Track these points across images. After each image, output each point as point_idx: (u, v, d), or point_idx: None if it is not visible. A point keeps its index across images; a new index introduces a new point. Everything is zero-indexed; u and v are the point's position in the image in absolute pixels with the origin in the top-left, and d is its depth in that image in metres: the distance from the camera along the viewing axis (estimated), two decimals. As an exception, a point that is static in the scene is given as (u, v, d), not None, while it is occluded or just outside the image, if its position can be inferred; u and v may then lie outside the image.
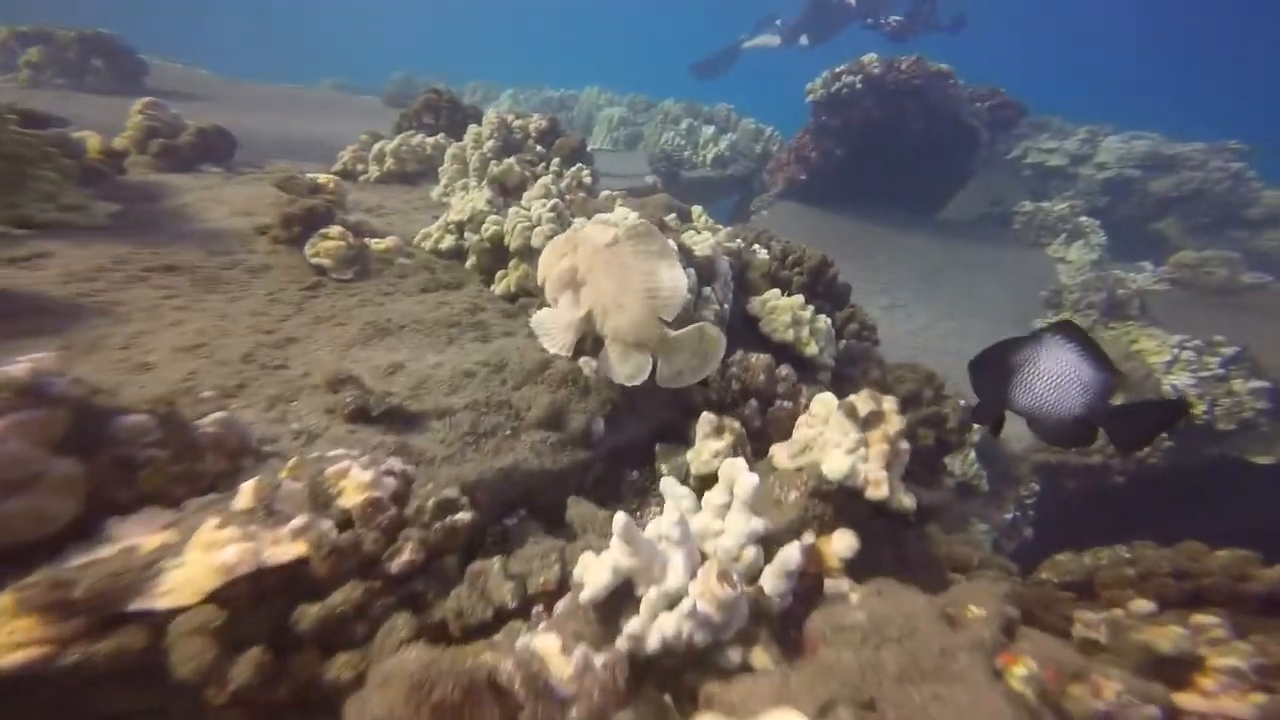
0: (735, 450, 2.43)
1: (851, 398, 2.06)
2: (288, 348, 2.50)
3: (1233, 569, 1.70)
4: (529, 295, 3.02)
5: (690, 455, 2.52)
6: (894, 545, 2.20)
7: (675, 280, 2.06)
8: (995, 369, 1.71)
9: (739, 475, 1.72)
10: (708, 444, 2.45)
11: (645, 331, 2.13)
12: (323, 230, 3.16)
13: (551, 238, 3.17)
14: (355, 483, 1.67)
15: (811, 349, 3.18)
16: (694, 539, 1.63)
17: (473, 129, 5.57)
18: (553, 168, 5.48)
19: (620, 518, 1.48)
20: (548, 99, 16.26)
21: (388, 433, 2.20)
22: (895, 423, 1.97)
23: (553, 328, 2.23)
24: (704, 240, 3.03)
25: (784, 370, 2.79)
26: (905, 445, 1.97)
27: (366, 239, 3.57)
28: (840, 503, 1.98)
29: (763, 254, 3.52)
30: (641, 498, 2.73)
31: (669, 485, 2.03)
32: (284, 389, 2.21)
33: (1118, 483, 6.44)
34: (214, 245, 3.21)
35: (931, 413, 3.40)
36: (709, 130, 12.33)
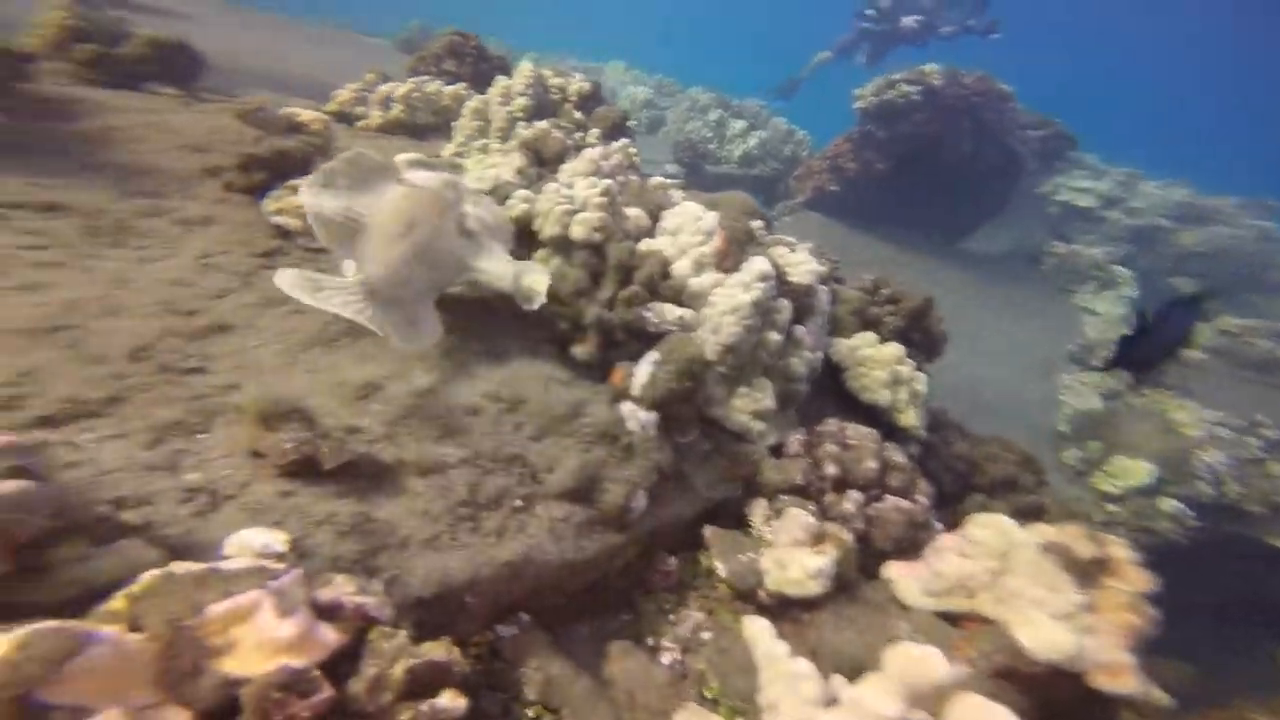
0: (839, 569, 1.73)
1: (1057, 534, 1.38)
2: (212, 340, 1.71)
3: None
4: (560, 302, 2.27)
5: (769, 563, 1.81)
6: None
7: None
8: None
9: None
10: (799, 557, 1.73)
11: None
12: (293, 181, 2.37)
13: (599, 229, 2.43)
14: (262, 637, 0.91)
15: (910, 418, 2.49)
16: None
17: (501, 81, 4.72)
18: (590, 139, 4.71)
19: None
20: (571, 68, 15.31)
21: (342, 496, 1.43)
22: (1135, 579, 1.29)
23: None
24: (802, 263, 2.31)
25: (896, 455, 2.09)
26: (1150, 613, 1.29)
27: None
28: (1043, 689, 1.29)
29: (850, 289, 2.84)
30: (679, 595, 2.00)
31: (769, 648, 1.32)
32: (188, 410, 1.42)
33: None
34: (136, 184, 2.37)
35: (1031, 503, 2.75)
36: (739, 125, 11.51)
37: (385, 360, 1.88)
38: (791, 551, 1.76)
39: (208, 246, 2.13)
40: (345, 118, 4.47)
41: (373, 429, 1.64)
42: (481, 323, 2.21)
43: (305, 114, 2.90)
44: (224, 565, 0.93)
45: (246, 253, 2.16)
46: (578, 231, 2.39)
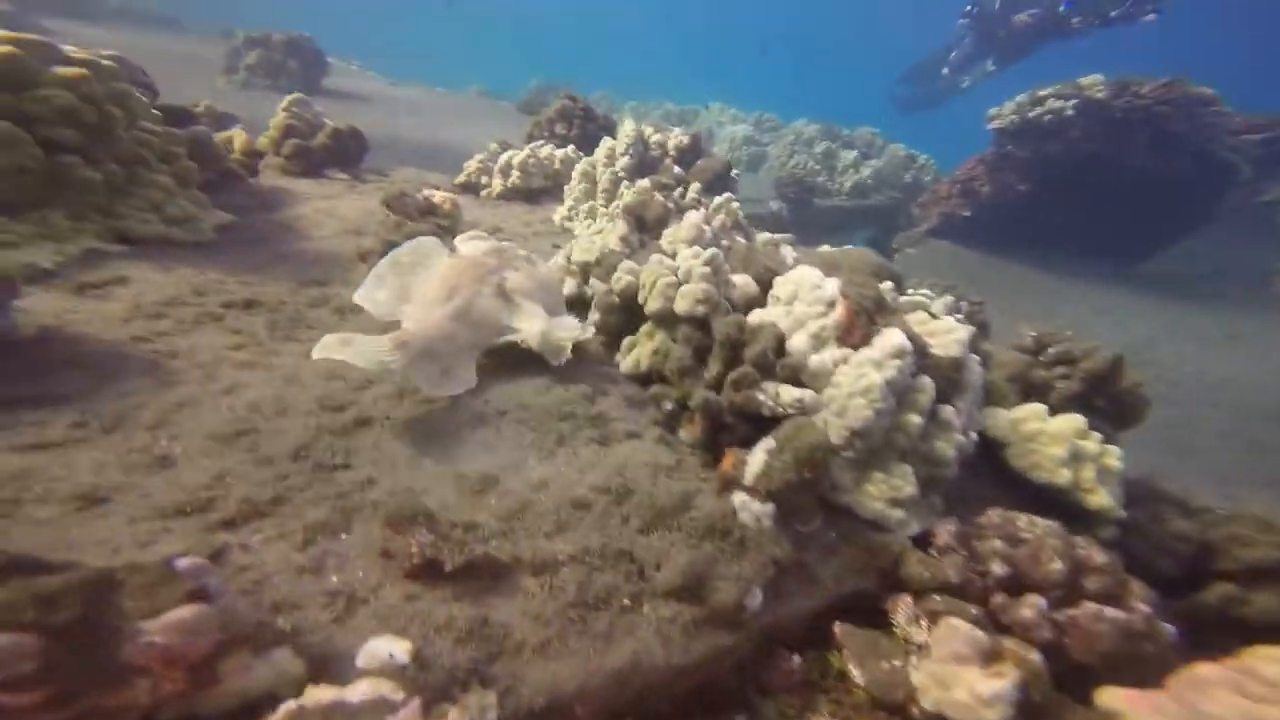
0: (1026, 695, 1.47)
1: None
2: (355, 435, 1.91)
3: None
4: (665, 382, 2.24)
5: (924, 677, 1.59)
6: None
7: None
8: None
9: None
10: (967, 678, 1.50)
11: None
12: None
13: (704, 301, 2.38)
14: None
15: (1101, 499, 2.10)
16: None
17: (606, 143, 4.97)
18: (691, 193, 4.74)
19: None
20: (668, 113, 15.71)
21: (461, 598, 1.49)
22: None
23: None
24: (948, 332, 2.07)
25: (1095, 553, 1.76)
26: None
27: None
28: None
29: (1007, 351, 2.49)
30: (804, 697, 1.83)
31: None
32: (334, 510, 1.58)
33: None
34: (309, 273, 2.77)
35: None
36: (849, 155, 11.10)
37: (501, 450, 1.98)
38: (955, 669, 1.53)
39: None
40: (472, 188, 4.93)
41: (489, 525, 1.70)
42: (590, 403, 2.25)
43: (438, 195, 3.22)
44: (349, 697, 1.00)
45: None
46: (682, 305, 2.36)
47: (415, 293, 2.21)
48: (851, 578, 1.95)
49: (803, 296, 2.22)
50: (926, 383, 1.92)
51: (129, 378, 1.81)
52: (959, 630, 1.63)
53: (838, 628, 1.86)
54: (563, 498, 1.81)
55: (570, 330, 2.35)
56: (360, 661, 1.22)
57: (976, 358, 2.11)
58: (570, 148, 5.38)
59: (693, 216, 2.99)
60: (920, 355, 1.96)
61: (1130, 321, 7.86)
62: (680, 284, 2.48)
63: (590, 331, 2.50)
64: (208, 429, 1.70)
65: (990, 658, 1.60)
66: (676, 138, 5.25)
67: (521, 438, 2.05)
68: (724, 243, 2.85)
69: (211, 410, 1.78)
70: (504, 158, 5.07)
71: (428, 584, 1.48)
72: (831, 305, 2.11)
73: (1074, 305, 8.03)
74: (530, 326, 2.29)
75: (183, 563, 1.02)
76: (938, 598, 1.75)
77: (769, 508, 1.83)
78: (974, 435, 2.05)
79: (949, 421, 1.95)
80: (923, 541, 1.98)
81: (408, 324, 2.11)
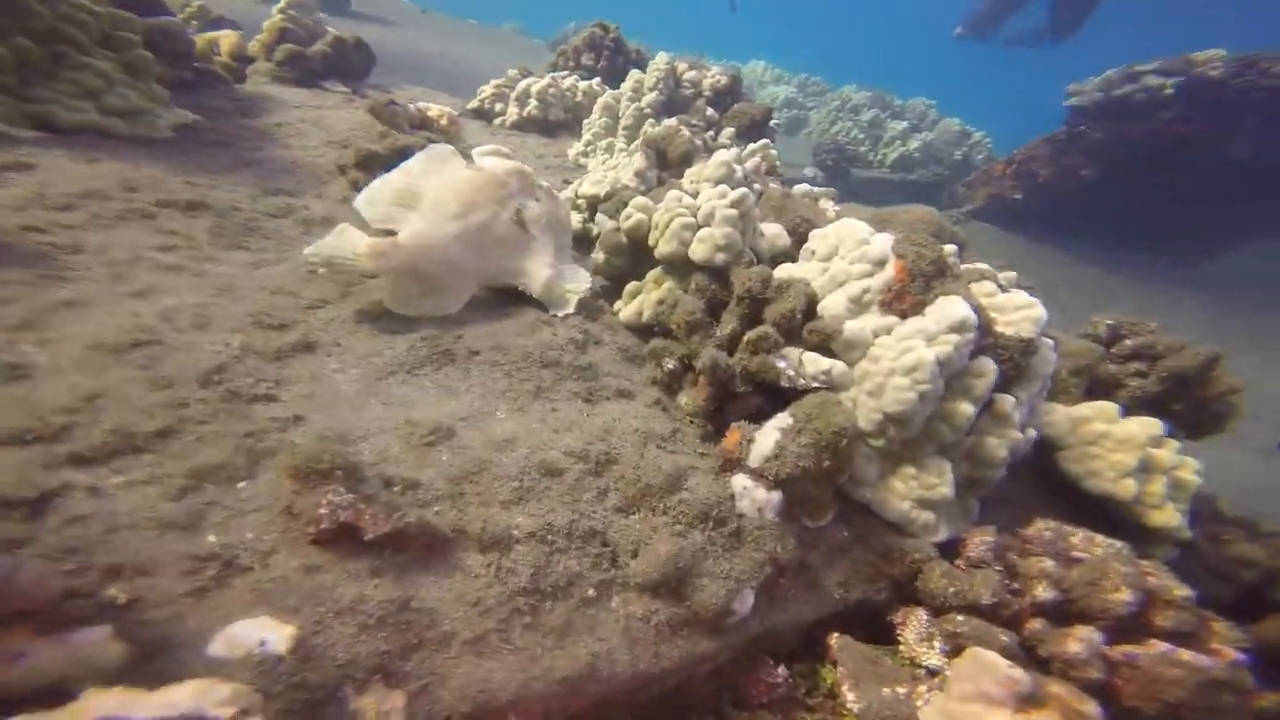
0: None
1: None
2: (291, 362, 1.59)
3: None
4: (671, 337, 1.88)
5: (932, 714, 1.28)
6: None
7: None
8: None
9: None
10: None
11: None
12: (409, 181, 2.26)
13: (725, 248, 2.00)
14: None
15: (1166, 516, 1.75)
16: None
17: (634, 75, 4.46)
18: (723, 138, 4.27)
19: None
20: (707, 64, 14.78)
21: (380, 573, 1.19)
22: None
23: None
24: (1023, 308, 1.66)
25: (1173, 585, 1.42)
26: None
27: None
28: None
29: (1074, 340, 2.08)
30: (785, 716, 1.55)
31: None
32: (237, 451, 1.27)
33: None
34: (277, 181, 2.42)
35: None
36: (897, 126, 10.37)
37: (464, 395, 1.65)
38: (979, 712, 1.21)
39: (319, 251, 2.07)
40: (485, 114, 4.49)
41: (435, 485, 1.39)
42: (580, 351, 1.90)
43: (434, 109, 2.83)
44: (133, 711, 0.69)
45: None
46: (698, 251, 1.99)
47: (424, 202, 1.91)
48: (860, 586, 1.64)
49: (845, 252, 1.83)
50: (987, 366, 1.53)
51: (2, 269, 1.49)
52: (990, 666, 1.31)
53: (834, 640, 1.56)
54: (530, 460, 1.49)
55: (580, 283, 2.11)
56: (214, 649, 0.92)
57: (1050, 342, 1.71)
58: (596, 80, 4.89)
59: (723, 154, 2.57)
60: (983, 333, 1.57)
61: (1203, 319, 7.26)
62: (699, 226, 2.10)
63: (596, 285, 2.20)
64: (94, 337, 1.38)
65: (1028, 704, 1.28)
66: (713, 76, 4.72)
67: (492, 384, 1.72)
68: (756, 186, 2.44)
69: (108, 315, 1.46)
70: (522, 84, 4.61)
71: (339, 554, 1.18)
72: (880, 264, 1.72)
73: (1122, 302, 7.43)
74: (538, 271, 2.04)
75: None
76: (960, 618, 1.42)
77: (775, 497, 1.49)
78: (1034, 434, 1.68)
79: (1007, 415, 1.58)
80: (949, 551, 1.65)
81: (403, 234, 1.83)
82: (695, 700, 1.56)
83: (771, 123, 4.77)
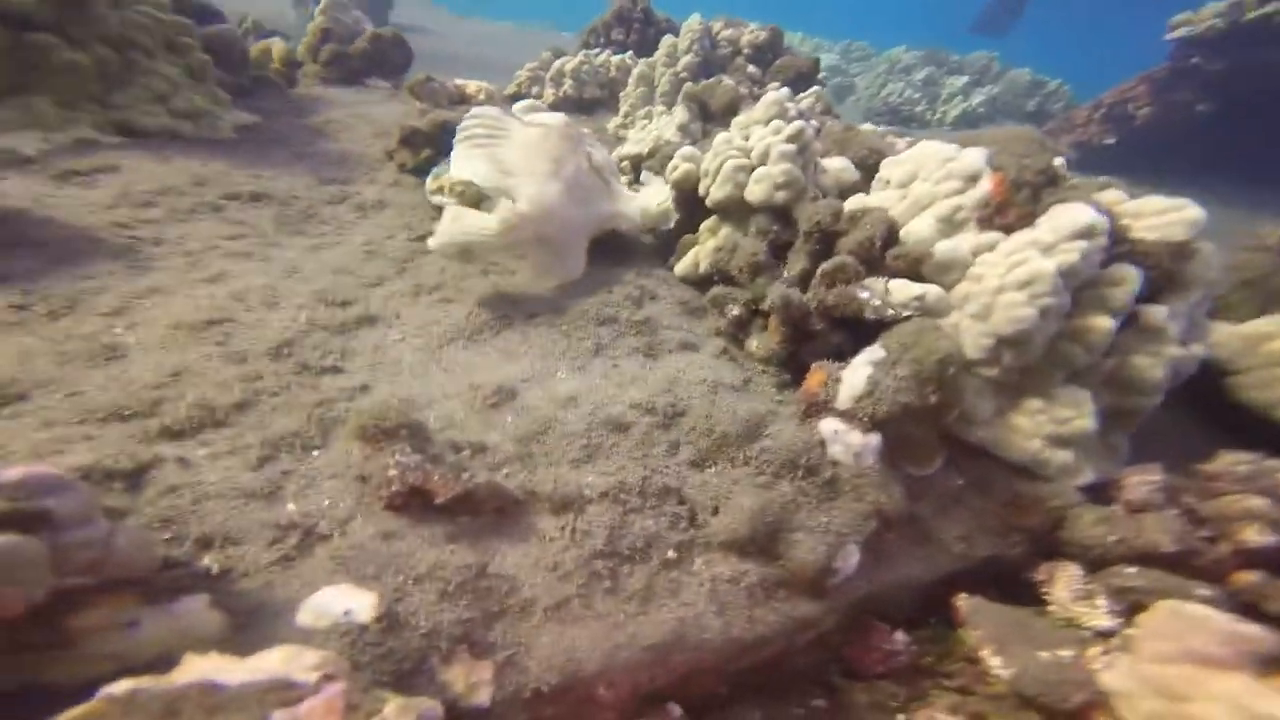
0: None
1: None
2: (355, 334, 1.58)
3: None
4: (733, 282, 1.75)
5: (1126, 678, 1.10)
6: None
7: None
8: None
9: None
10: (1233, 691, 0.99)
11: None
12: (454, 156, 2.22)
13: (785, 185, 1.83)
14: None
15: None
16: None
17: (667, 40, 4.27)
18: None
19: None
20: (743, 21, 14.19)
21: (455, 539, 1.15)
22: None
23: None
24: (1168, 210, 1.40)
25: None
26: None
27: (512, 172, 2.58)
28: None
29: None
30: (910, 686, 1.40)
31: None
32: (309, 420, 1.26)
33: None
34: (331, 171, 2.46)
35: None
36: (957, 81, 9.60)
37: (524, 357, 1.59)
38: (1195, 676, 1.02)
39: (373, 231, 2.07)
40: (522, 99, 4.43)
41: (503, 447, 1.34)
42: (637, 306, 1.80)
43: (472, 85, 2.80)
44: (229, 676, 0.66)
45: (407, 237, 2.06)
46: (756, 191, 1.83)
47: (512, 164, 1.84)
48: (985, 539, 1.46)
49: (926, 174, 1.62)
50: (1126, 271, 1.30)
51: (96, 261, 1.56)
52: (1202, 621, 1.09)
53: (962, 601, 1.39)
54: (595, 417, 1.41)
55: (661, 192, 2.08)
56: (303, 618, 0.90)
57: (1210, 246, 1.43)
58: (628, 54, 4.73)
59: (774, 94, 2.38)
60: (1115, 241, 1.33)
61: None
62: (754, 168, 1.94)
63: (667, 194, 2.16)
64: (175, 317, 1.41)
65: (1273, 665, 1.05)
66: (752, 32, 4.45)
67: (552, 345, 1.65)
68: (813, 123, 2.24)
69: (186, 298, 1.50)
70: (556, 65, 4.52)
71: (413, 520, 1.14)
72: (972, 179, 1.51)
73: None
74: (628, 208, 2.03)
75: (9, 473, 0.70)
76: (1132, 570, 1.21)
77: (873, 439, 1.34)
78: (1199, 350, 1.41)
79: (1158, 328, 1.33)
80: (1098, 496, 1.43)
81: (521, 202, 1.78)
82: (798, 670, 1.43)
83: (820, 75, 4.46)
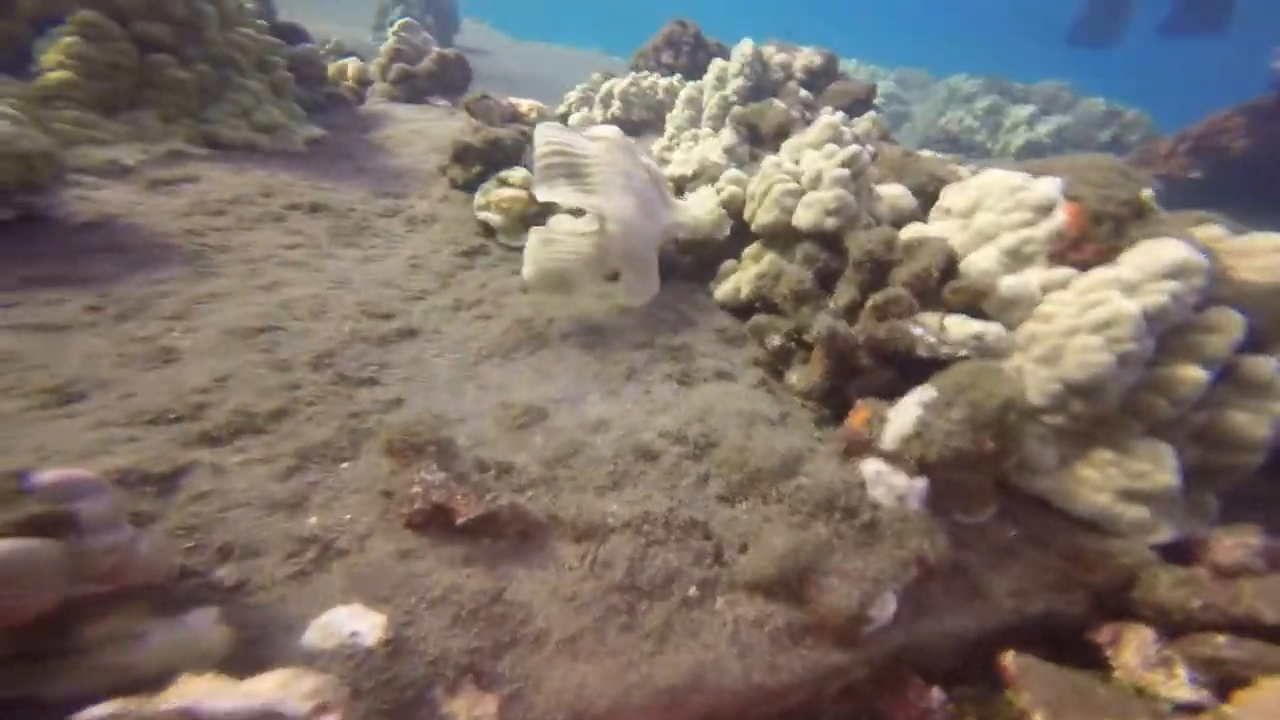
0: None
1: None
2: (394, 347, 1.61)
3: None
4: (776, 311, 1.69)
5: None
6: None
7: None
8: None
9: None
10: None
11: None
12: (502, 174, 2.26)
13: (835, 211, 1.76)
14: None
15: None
16: None
17: (716, 64, 4.24)
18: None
19: None
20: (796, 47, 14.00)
21: (472, 561, 1.13)
22: None
23: None
24: (1272, 252, 1.26)
25: None
26: None
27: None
28: None
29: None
30: None
31: None
32: (341, 431, 1.28)
33: None
34: (387, 185, 2.55)
35: None
36: (1022, 111, 9.13)
37: (557, 378, 1.57)
38: None
39: (421, 245, 2.13)
40: (571, 118, 4.52)
41: (529, 469, 1.32)
42: (674, 332, 1.76)
43: (524, 104, 2.85)
44: (216, 703, 0.64)
45: (452, 252, 2.11)
46: (805, 217, 1.76)
47: (593, 181, 1.83)
48: (1042, 595, 1.33)
49: (992, 204, 1.52)
50: (1226, 317, 1.16)
51: (167, 267, 1.66)
52: None
53: (1010, 660, 1.27)
54: (624, 443, 1.37)
55: (710, 200, 2.06)
56: (310, 637, 0.89)
57: None
58: (676, 77, 4.75)
59: (827, 117, 2.31)
60: (1216, 282, 1.19)
61: None
62: (804, 192, 1.88)
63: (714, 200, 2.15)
64: (229, 323, 1.47)
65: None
66: (806, 56, 4.39)
67: (585, 366, 1.63)
68: (869, 148, 2.16)
69: (240, 304, 1.57)
70: (605, 86, 4.59)
71: (432, 539, 1.13)
72: (1045, 210, 1.40)
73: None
74: (684, 215, 2.00)
75: (45, 476, 0.72)
76: (1223, 639, 1.07)
77: (918, 484, 1.25)
78: None
79: (1265, 382, 1.18)
80: (1177, 557, 1.28)
81: (610, 224, 1.77)
82: (822, 724, 1.35)
83: (876, 100, 4.33)
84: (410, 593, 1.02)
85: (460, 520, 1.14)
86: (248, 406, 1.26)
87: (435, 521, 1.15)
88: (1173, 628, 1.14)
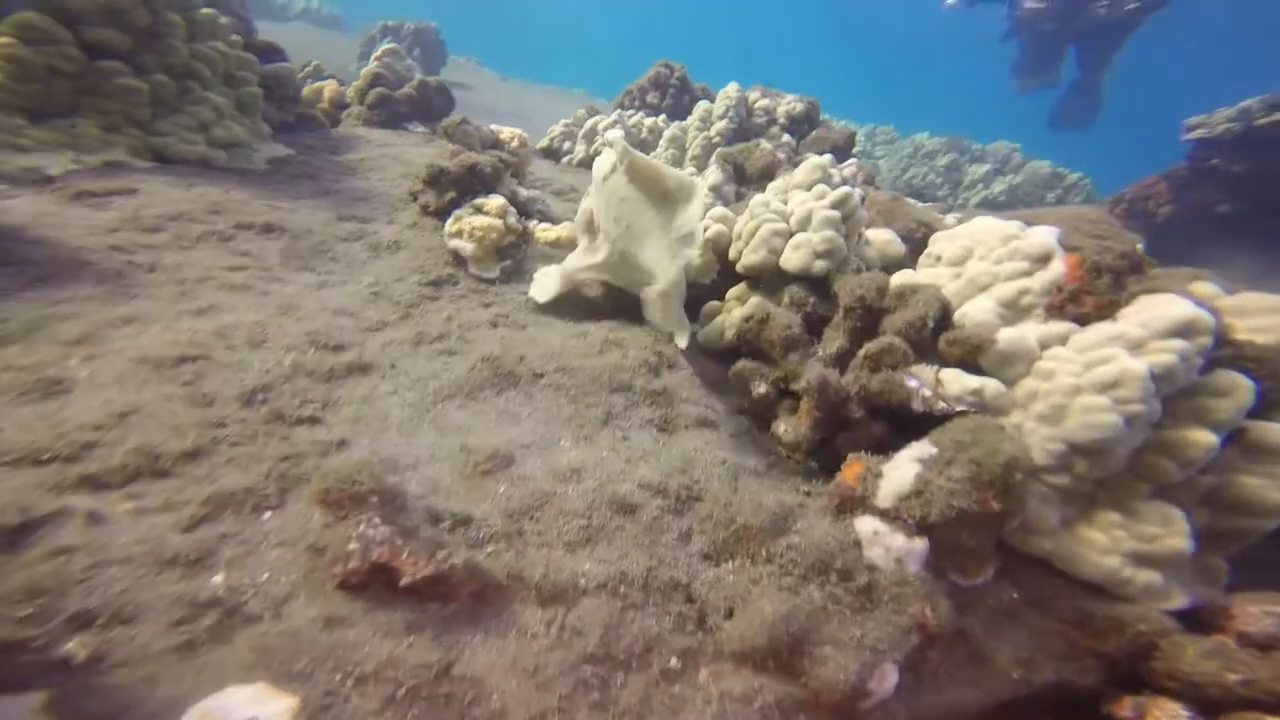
0: None
1: None
2: (342, 382, 1.45)
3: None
4: (762, 357, 1.60)
5: None
6: None
7: None
8: None
9: None
10: None
11: None
12: (477, 201, 2.16)
13: (825, 254, 1.72)
14: None
15: None
16: None
17: (701, 106, 4.35)
18: (802, 163, 4.03)
19: None
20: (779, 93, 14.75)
21: (417, 629, 0.96)
22: None
23: None
24: (1270, 313, 1.25)
25: None
26: None
27: (533, 222, 2.52)
28: None
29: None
30: None
31: None
32: (268, 477, 1.11)
33: None
34: (353, 209, 2.41)
35: None
36: (979, 169, 9.84)
37: (526, 421, 1.44)
38: None
39: (384, 273, 1.98)
40: (554, 154, 4.51)
41: (490, 521, 1.16)
42: (654, 375, 1.66)
43: (506, 131, 2.79)
44: None
45: (418, 281, 1.97)
46: (793, 259, 1.71)
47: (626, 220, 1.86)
48: (1050, 663, 1.23)
49: (985, 252, 1.49)
50: (1236, 381, 1.12)
51: (75, 285, 1.47)
52: None
53: None
54: (599, 495, 1.23)
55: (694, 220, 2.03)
56: (189, 733, 0.71)
57: None
58: (661, 117, 4.85)
59: (815, 159, 2.32)
60: (1220, 341, 1.16)
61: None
62: (792, 233, 1.84)
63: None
64: (142, 351, 1.29)
65: None
66: (789, 103, 4.54)
67: (558, 409, 1.50)
68: (857, 191, 2.16)
69: (163, 331, 1.38)
70: (590, 123, 4.63)
71: (369, 603, 0.96)
72: (1042, 260, 1.37)
73: None
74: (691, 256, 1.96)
75: None
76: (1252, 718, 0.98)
77: (918, 545, 1.15)
78: None
79: (1275, 447, 1.14)
80: (1200, 624, 1.20)
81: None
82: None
83: (855, 149, 4.49)
84: (334, 668, 0.84)
85: (405, 580, 0.98)
86: (152, 446, 1.08)
87: (375, 582, 0.99)
88: (1207, 704, 1.04)
